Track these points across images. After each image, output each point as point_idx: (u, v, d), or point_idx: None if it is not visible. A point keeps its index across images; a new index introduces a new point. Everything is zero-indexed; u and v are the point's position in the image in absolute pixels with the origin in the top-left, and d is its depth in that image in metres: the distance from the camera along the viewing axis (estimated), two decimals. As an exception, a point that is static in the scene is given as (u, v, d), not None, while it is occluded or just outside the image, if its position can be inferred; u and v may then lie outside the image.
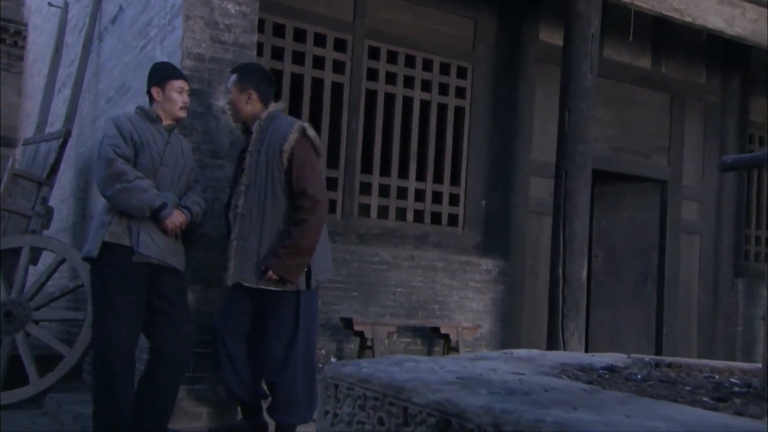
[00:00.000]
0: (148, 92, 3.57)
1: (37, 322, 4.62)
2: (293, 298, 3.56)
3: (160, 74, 3.57)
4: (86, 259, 3.52)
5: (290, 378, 3.52)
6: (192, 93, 3.67)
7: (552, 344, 5.52)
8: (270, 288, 3.50)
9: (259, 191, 3.54)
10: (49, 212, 5.13)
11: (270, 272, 3.46)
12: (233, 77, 3.63)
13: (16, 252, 4.72)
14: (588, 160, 5.52)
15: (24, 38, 10.35)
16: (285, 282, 3.48)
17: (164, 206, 3.43)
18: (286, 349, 3.52)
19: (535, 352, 2.00)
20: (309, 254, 3.49)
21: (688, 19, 5.93)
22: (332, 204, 5.35)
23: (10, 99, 10.58)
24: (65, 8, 6.16)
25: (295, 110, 5.30)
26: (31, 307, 4.60)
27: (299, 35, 5.53)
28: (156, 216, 3.43)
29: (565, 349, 5.47)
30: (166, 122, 3.58)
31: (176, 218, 3.48)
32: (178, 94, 3.55)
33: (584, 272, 5.53)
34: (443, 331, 5.52)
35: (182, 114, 3.60)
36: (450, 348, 5.62)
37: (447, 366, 1.43)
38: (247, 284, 3.55)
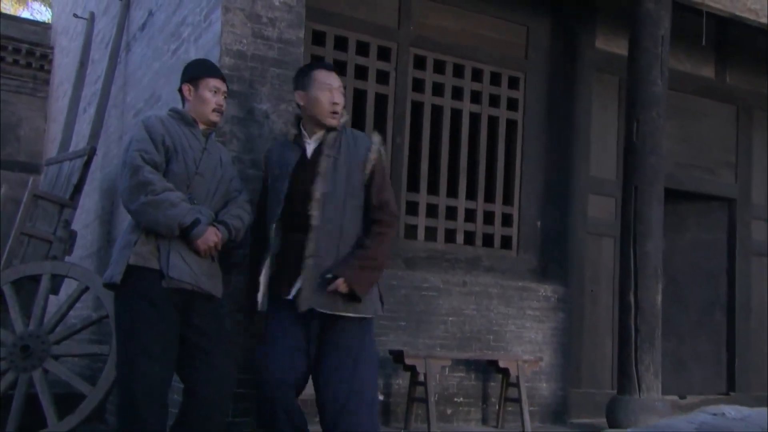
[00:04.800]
0: (180, 90, 3.13)
1: (56, 357, 4.20)
2: (360, 325, 3.08)
3: (195, 70, 3.13)
4: (109, 285, 3.05)
5: (354, 422, 2.99)
6: (231, 95, 3.22)
7: (624, 380, 4.97)
8: (348, 315, 3.04)
9: (337, 203, 3.12)
10: (71, 237, 4.77)
11: (340, 282, 2.98)
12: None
13: (35, 280, 4.34)
14: (660, 174, 5.03)
15: (50, 62, 10.14)
16: (354, 298, 3.04)
17: (196, 223, 2.96)
18: (349, 388, 3.00)
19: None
20: (381, 270, 3.19)
21: (763, 20, 5.46)
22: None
23: (35, 124, 10.34)
24: (91, 20, 5.84)
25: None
26: (51, 340, 4.18)
27: (340, 43, 5.17)
28: (186, 235, 2.97)
29: (639, 386, 4.90)
30: (201, 126, 3.13)
31: (210, 237, 3.00)
32: (212, 95, 3.10)
33: (659, 298, 4.99)
34: (502, 365, 4.99)
35: (215, 118, 3.14)
36: (509, 384, 5.08)
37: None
38: (323, 311, 3.05)
